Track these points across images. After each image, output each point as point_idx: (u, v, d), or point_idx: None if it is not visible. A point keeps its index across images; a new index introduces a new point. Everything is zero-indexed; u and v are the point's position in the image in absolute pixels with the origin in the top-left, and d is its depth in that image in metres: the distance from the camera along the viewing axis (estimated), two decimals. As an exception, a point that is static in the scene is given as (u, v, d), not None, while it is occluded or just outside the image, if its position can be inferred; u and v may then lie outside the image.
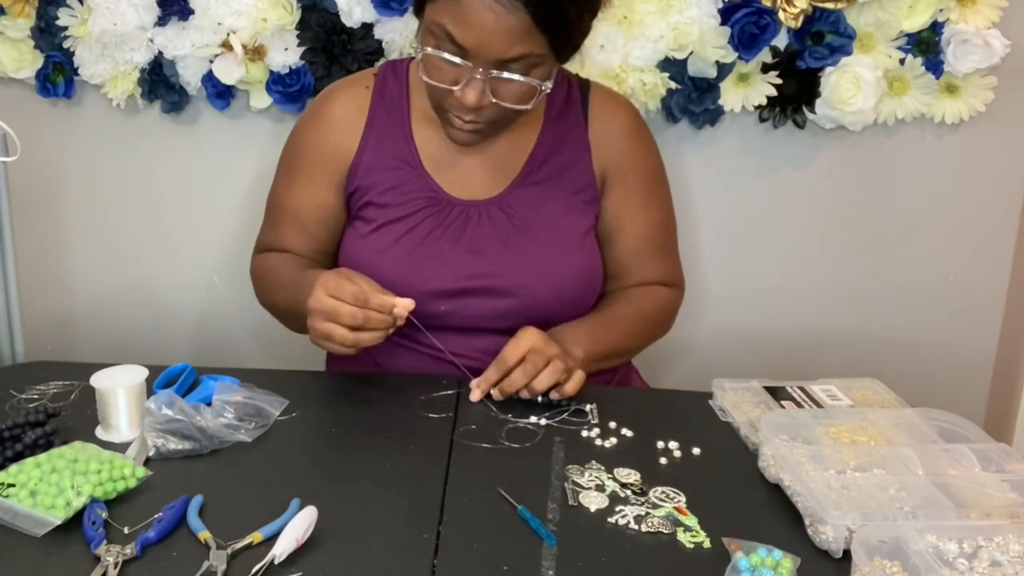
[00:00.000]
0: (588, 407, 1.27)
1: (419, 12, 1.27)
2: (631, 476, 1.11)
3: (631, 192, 1.45)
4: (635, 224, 1.45)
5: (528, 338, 1.27)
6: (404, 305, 1.22)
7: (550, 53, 1.23)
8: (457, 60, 1.22)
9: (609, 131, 1.44)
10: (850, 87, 1.72)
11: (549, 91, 1.28)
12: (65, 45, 1.77)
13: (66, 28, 1.75)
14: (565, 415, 1.25)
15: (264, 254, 1.48)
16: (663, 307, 1.50)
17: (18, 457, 1.07)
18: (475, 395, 1.27)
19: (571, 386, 1.27)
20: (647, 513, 1.04)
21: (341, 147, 1.41)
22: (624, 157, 1.44)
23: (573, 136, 1.42)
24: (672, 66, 1.74)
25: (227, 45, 1.73)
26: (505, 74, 1.22)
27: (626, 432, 1.22)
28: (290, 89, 1.76)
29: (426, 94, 1.33)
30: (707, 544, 1.00)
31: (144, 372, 1.19)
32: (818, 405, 1.25)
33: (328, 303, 1.20)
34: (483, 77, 1.22)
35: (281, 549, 0.93)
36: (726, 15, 1.70)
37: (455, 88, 1.24)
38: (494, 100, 1.25)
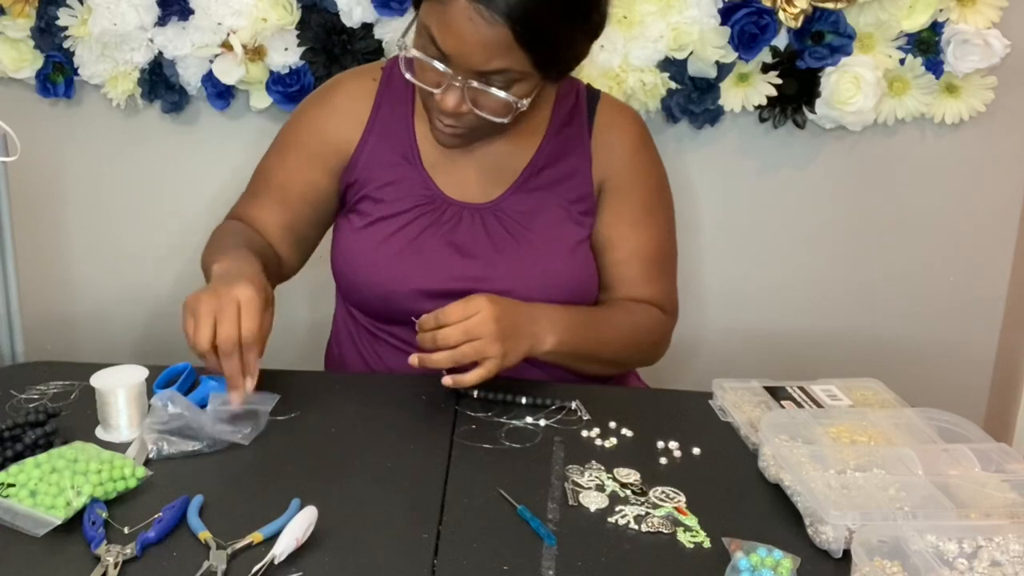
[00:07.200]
0: (573, 404, 1.26)
1: (417, 6, 1.25)
2: (631, 476, 1.11)
3: (626, 206, 1.42)
4: (625, 239, 1.42)
5: (477, 307, 1.21)
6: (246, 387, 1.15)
7: (534, 71, 1.21)
8: (438, 65, 1.21)
9: (612, 143, 1.42)
10: (850, 87, 1.72)
11: (525, 108, 1.25)
12: (65, 45, 1.77)
13: (66, 28, 1.75)
14: (560, 416, 1.25)
15: (229, 220, 1.44)
16: (655, 327, 1.44)
17: (18, 457, 1.07)
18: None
19: (471, 376, 1.21)
20: (647, 513, 1.04)
21: (342, 137, 1.40)
22: (624, 170, 1.42)
23: (576, 145, 1.41)
24: (672, 66, 1.74)
25: (227, 45, 1.73)
26: (485, 86, 1.21)
27: (626, 432, 1.22)
28: (290, 89, 1.77)
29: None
30: (707, 544, 0.99)
31: (144, 372, 1.19)
32: (818, 405, 1.25)
33: (192, 299, 1.15)
34: (462, 85, 1.21)
35: (281, 549, 0.93)
36: (726, 15, 1.70)
37: (436, 91, 1.24)
38: (473, 109, 1.24)
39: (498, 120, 1.26)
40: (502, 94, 1.22)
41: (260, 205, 1.43)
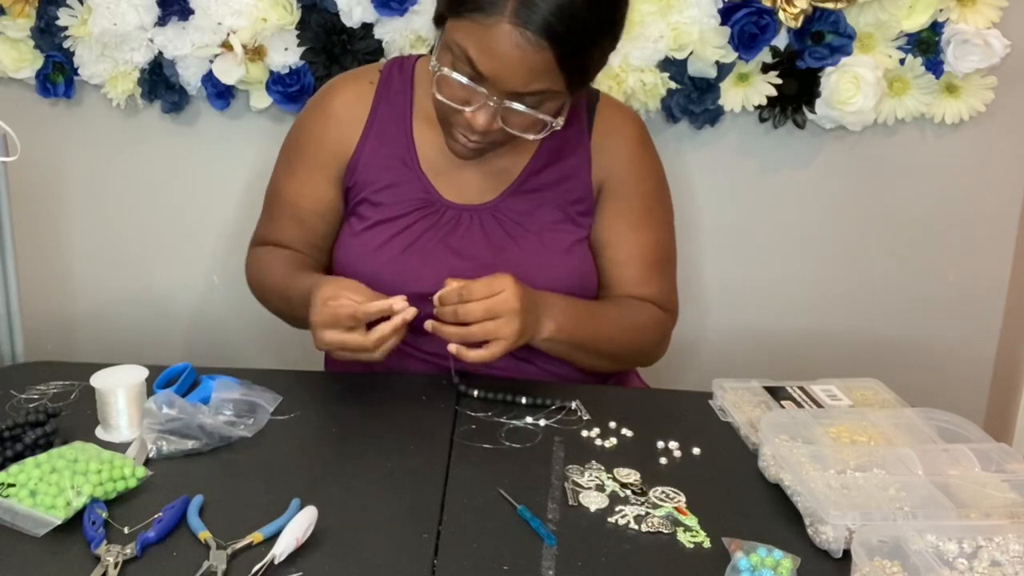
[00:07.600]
0: (573, 404, 1.27)
1: (439, 23, 1.26)
2: (631, 476, 1.11)
3: (625, 207, 1.42)
4: (625, 239, 1.42)
5: (502, 285, 1.23)
6: (397, 300, 1.20)
7: (565, 90, 1.23)
8: (471, 84, 1.21)
9: (611, 144, 1.42)
10: (850, 87, 1.72)
11: (559, 128, 1.27)
12: (65, 45, 1.77)
13: (66, 28, 1.75)
14: (560, 416, 1.25)
15: (259, 248, 1.48)
16: (654, 325, 1.44)
17: (18, 457, 1.07)
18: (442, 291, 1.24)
19: (477, 354, 1.22)
20: (647, 513, 1.04)
21: (341, 141, 1.40)
22: (623, 172, 1.42)
23: (574, 146, 1.41)
24: (672, 66, 1.74)
25: (227, 45, 1.73)
26: (517, 105, 1.21)
27: (626, 432, 1.22)
28: (290, 89, 1.77)
29: (431, 97, 1.32)
30: (707, 544, 1.00)
31: (144, 372, 1.19)
32: (818, 405, 1.25)
33: (326, 312, 1.19)
34: (496, 105, 1.22)
35: (281, 549, 0.93)
36: (726, 15, 1.70)
37: (466, 109, 1.23)
38: (503, 126, 1.24)
39: (530, 137, 1.27)
40: (535, 112, 1.23)
41: (279, 227, 1.45)
